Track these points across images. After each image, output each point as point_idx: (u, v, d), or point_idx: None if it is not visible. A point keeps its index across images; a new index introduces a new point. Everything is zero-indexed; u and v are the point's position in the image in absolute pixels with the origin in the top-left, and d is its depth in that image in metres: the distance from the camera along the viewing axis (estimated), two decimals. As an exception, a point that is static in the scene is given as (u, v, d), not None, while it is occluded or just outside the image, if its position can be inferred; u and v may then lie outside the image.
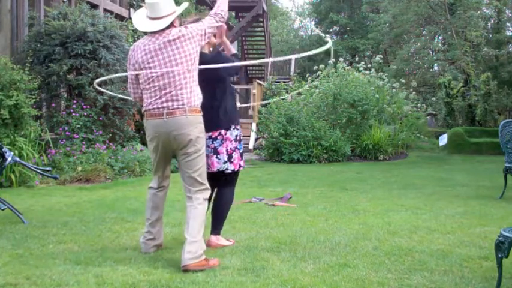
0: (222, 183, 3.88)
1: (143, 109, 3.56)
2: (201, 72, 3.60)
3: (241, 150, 3.92)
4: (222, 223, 3.94)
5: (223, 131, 3.78)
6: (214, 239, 3.86)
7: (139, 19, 3.58)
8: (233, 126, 3.85)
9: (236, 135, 3.85)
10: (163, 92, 3.43)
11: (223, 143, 3.78)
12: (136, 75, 3.56)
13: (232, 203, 3.98)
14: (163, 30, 3.48)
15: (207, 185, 3.55)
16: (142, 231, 3.79)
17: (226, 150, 3.78)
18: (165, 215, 4.13)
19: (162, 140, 3.50)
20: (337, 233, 4.26)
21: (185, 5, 3.68)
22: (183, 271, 3.21)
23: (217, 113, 3.76)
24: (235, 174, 3.93)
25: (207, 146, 3.73)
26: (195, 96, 3.49)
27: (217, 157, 3.77)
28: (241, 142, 3.94)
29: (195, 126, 3.45)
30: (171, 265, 3.33)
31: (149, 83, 3.47)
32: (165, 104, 3.42)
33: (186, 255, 3.24)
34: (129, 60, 3.60)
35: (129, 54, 3.60)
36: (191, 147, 3.45)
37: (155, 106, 3.44)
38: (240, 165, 3.89)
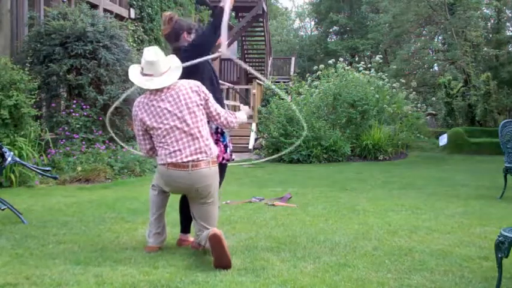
0: None
1: (161, 161, 3.49)
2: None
3: (225, 143, 3.80)
4: None
5: None
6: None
7: (137, 77, 3.56)
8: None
9: (217, 128, 3.75)
10: (180, 142, 3.42)
11: None
12: (145, 129, 3.53)
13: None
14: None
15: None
16: (147, 227, 3.79)
17: None
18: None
19: (181, 190, 3.59)
20: (337, 233, 4.25)
21: (174, 59, 3.62)
22: (210, 236, 3.20)
23: None
24: (220, 169, 3.67)
25: None
26: (214, 146, 3.54)
27: None
28: (225, 134, 3.81)
29: (215, 178, 3.52)
30: (171, 265, 3.33)
31: (164, 136, 3.45)
32: (190, 158, 3.41)
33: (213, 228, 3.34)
34: (135, 117, 3.57)
35: (134, 109, 3.58)
36: (210, 198, 3.52)
37: (179, 159, 3.41)
38: (223, 158, 3.77)
